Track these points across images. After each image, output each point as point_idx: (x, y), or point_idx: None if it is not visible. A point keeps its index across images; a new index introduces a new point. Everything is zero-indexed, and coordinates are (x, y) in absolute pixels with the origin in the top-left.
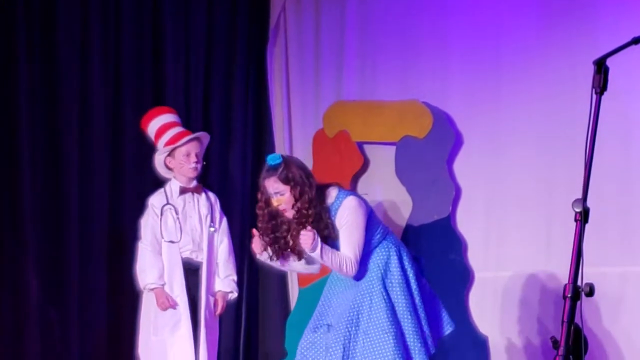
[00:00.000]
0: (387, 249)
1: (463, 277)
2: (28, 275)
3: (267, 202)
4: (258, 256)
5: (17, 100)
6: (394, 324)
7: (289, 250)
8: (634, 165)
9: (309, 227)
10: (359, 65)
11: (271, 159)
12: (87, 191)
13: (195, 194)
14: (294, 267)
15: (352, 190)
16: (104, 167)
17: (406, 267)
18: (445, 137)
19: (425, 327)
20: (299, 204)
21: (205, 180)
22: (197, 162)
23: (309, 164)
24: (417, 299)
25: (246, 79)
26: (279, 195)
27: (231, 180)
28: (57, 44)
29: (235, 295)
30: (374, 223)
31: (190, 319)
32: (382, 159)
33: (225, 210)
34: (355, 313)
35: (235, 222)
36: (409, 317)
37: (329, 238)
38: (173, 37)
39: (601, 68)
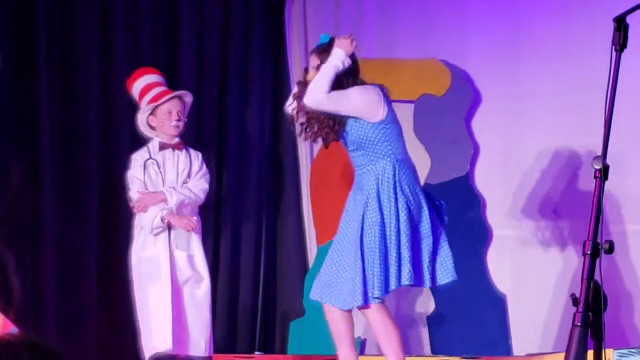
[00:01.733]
0: (385, 167)
1: (482, 235)
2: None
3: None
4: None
5: (37, 64)
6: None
7: (319, 133)
8: None
9: None
10: (377, 23)
11: (323, 37)
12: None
13: (176, 150)
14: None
15: None
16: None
17: (399, 198)
18: (463, 96)
19: (377, 269)
20: None
21: (223, 138)
22: (178, 120)
23: None
24: (393, 236)
25: (264, 37)
26: (313, 69)
27: (249, 138)
28: None
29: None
30: (392, 133)
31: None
32: (401, 117)
33: (243, 168)
34: (356, 231)
35: (253, 181)
36: (375, 251)
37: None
38: None
39: (621, 25)
